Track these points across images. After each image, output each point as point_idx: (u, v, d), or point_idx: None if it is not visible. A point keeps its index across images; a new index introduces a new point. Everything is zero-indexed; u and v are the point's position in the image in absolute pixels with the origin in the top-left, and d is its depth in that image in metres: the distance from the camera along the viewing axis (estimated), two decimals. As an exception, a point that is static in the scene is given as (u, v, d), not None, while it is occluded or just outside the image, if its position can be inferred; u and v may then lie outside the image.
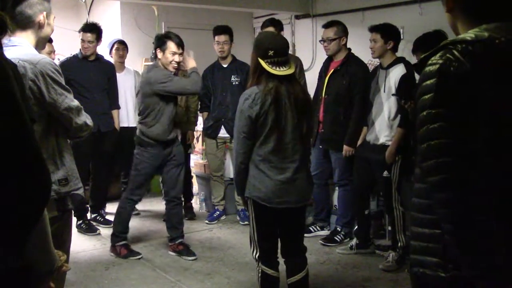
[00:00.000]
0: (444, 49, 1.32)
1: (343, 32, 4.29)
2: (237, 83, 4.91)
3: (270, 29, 4.68)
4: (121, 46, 5.23)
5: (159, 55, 3.95)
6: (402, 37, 4.13)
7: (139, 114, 4.11)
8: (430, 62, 1.32)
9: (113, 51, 5.20)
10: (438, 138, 1.27)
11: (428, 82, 1.30)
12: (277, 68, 2.67)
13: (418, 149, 1.34)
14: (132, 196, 4.15)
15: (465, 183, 1.25)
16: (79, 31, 4.71)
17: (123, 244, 4.14)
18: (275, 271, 2.84)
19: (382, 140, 3.93)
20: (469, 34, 1.32)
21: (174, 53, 3.91)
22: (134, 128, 5.25)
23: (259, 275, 2.86)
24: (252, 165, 2.76)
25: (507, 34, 1.30)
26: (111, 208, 5.34)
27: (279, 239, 2.90)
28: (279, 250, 2.92)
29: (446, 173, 1.26)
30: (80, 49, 4.75)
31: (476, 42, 1.29)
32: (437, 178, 1.28)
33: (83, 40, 4.66)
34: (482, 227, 1.24)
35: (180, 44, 3.94)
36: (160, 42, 3.95)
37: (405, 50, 4.46)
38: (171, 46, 3.90)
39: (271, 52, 2.66)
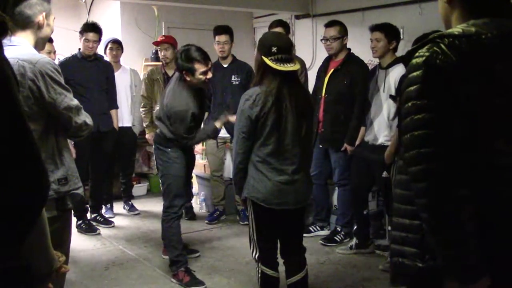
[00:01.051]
0: (431, 42, 1.33)
1: (345, 32, 4.31)
2: (237, 83, 4.90)
3: (279, 29, 4.63)
4: (115, 45, 5.17)
5: (189, 77, 3.49)
6: (402, 37, 4.13)
7: (157, 118, 3.73)
8: (417, 54, 1.34)
9: (107, 50, 5.14)
10: (421, 129, 1.29)
11: (414, 74, 1.32)
12: (281, 65, 2.64)
13: (402, 139, 1.36)
14: (170, 209, 3.64)
15: (444, 175, 1.27)
16: (81, 32, 4.68)
17: (184, 269, 3.63)
18: (275, 272, 2.84)
19: (381, 140, 3.93)
20: (457, 29, 1.34)
21: (204, 72, 3.52)
22: (128, 128, 5.28)
23: (259, 275, 2.86)
24: (251, 165, 2.75)
25: (494, 30, 1.32)
26: (117, 208, 5.41)
27: (278, 240, 2.90)
28: (278, 251, 2.91)
29: (426, 164, 1.28)
30: (79, 49, 4.75)
31: (463, 36, 1.31)
32: (417, 168, 1.30)
33: (88, 40, 4.63)
34: (457, 219, 1.27)
35: (206, 58, 3.54)
36: (187, 67, 3.48)
37: (404, 50, 4.45)
38: (199, 67, 3.49)
39: (274, 49, 2.63)
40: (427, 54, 1.31)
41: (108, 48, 5.13)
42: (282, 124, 2.67)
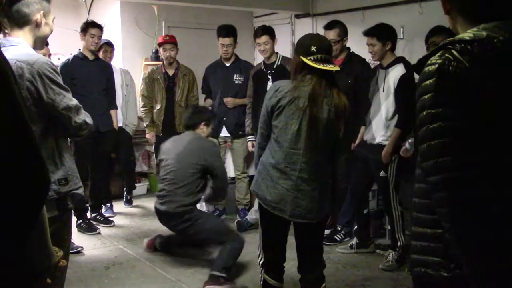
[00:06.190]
0: (443, 49, 1.31)
1: (345, 32, 4.27)
2: (240, 82, 4.90)
3: (264, 38, 4.61)
4: (109, 48, 5.20)
5: (202, 129, 3.96)
6: (402, 37, 4.11)
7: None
8: (429, 62, 1.31)
9: (101, 53, 5.09)
10: (438, 138, 1.26)
11: (427, 82, 1.29)
12: (321, 64, 2.51)
13: (419, 149, 1.33)
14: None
15: (464, 183, 1.24)
16: (84, 29, 4.69)
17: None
18: (277, 282, 2.73)
19: (378, 139, 3.92)
20: (468, 34, 1.31)
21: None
22: (121, 128, 5.29)
23: (261, 282, 2.78)
24: (261, 162, 2.66)
25: (506, 33, 1.30)
26: (116, 207, 5.41)
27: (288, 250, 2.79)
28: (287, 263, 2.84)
29: (446, 173, 1.25)
30: (79, 49, 4.75)
31: (474, 41, 1.28)
32: (437, 177, 1.27)
33: (93, 35, 4.65)
34: (481, 226, 1.24)
35: None
36: (209, 118, 4.01)
37: (405, 49, 4.46)
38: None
39: (313, 48, 2.52)
40: (439, 61, 1.28)
41: (102, 50, 5.08)
42: (296, 123, 2.53)
